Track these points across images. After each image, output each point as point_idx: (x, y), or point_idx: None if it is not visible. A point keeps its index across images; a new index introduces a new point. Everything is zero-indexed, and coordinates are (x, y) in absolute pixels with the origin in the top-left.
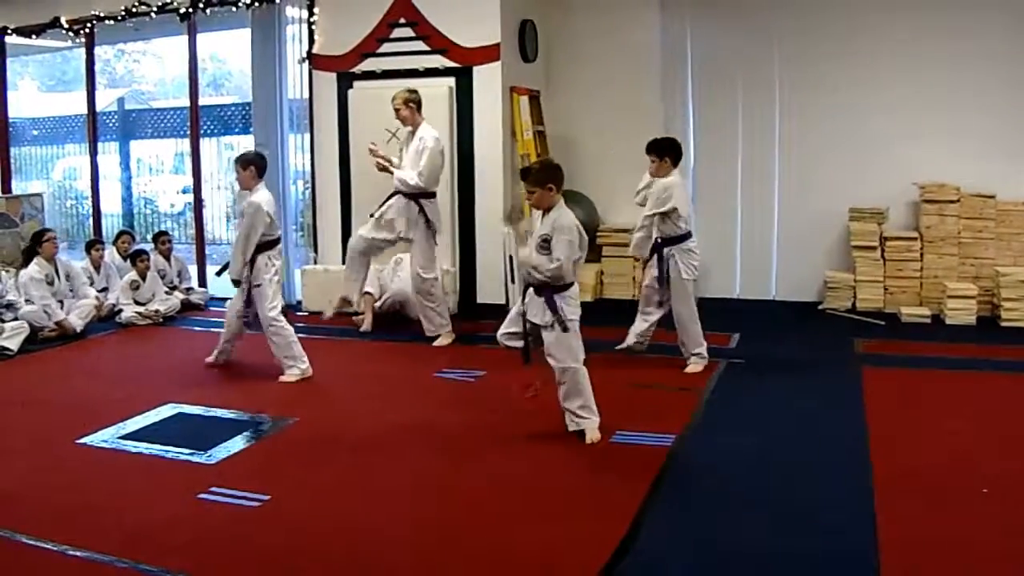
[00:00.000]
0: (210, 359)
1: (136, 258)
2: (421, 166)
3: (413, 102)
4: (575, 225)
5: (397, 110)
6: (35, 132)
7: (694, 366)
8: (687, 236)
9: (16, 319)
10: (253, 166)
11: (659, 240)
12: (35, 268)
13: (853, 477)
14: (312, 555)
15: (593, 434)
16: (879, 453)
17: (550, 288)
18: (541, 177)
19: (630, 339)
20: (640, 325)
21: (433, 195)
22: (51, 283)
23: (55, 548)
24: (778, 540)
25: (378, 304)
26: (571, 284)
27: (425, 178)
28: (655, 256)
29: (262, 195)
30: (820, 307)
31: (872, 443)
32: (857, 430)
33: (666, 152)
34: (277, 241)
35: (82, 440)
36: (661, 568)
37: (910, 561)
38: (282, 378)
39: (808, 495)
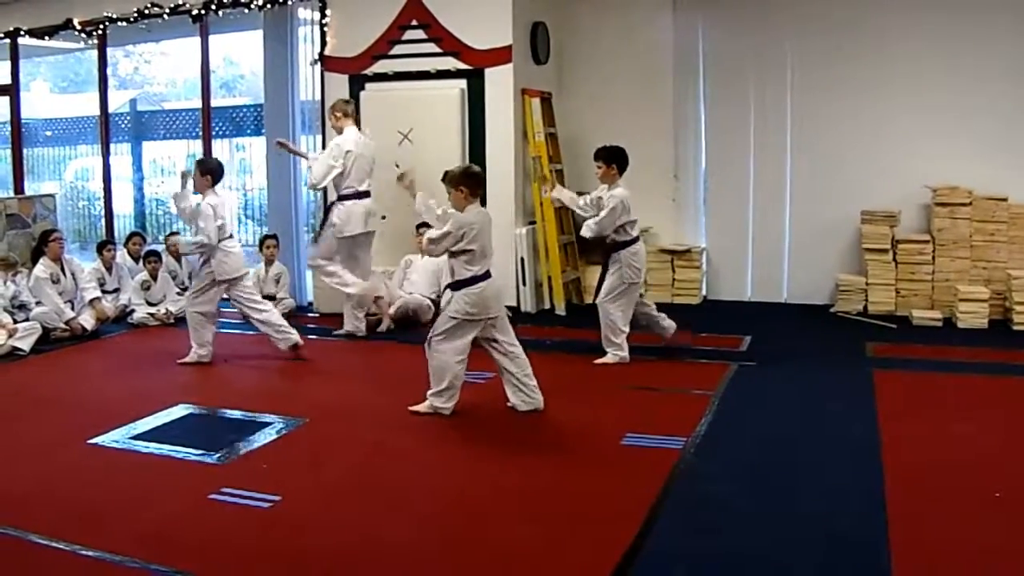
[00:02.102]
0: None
1: (147, 259)
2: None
3: (339, 111)
4: (467, 222)
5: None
6: (48, 133)
7: (610, 357)
8: (635, 241)
9: (28, 319)
10: (211, 174)
11: (611, 243)
12: (41, 267)
13: (864, 481)
14: (321, 556)
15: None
16: (891, 457)
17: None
18: (453, 179)
19: (667, 330)
20: (651, 318)
21: (342, 197)
22: (56, 282)
23: (66, 548)
24: (789, 544)
25: (392, 310)
26: (469, 279)
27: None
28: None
29: (214, 199)
30: (832, 310)
31: (884, 447)
32: (869, 434)
33: (613, 159)
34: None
35: (93, 440)
36: (671, 572)
37: (922, 565)
38: (182, 360)
39: (819, 499)
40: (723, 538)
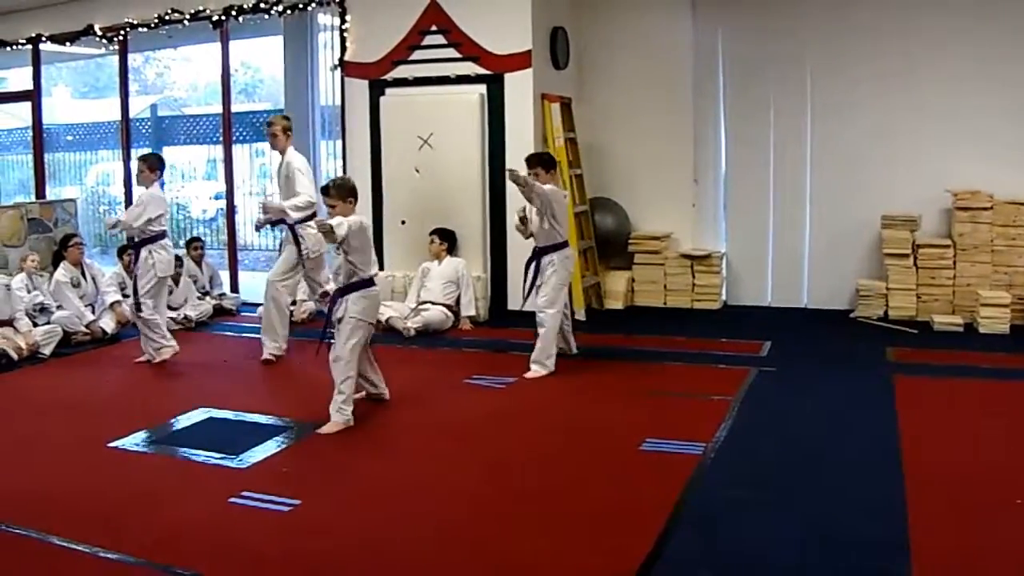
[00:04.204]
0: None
1: None
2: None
3: (287, 129)
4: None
5: (274, 136)
6: (69, 138)
7: (535, 372)
8: (565, 245)
9: (49, 323)
10: (159, 170)
11: (537, 249)
12: (61, 271)
13: (885, 486)
14: (340, 561)
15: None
16: (911, 463)
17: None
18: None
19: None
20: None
21: (308, 219)
22: (77, 286)
23: (87, 550)
24: (809, 550)
25: (409, 325)
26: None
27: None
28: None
29: (156, 190)
30: (852, 315)
31: (904, 453)
32: (889, 440)
33: (537, 164)
34: (161, 235)
35: (113, 444)
36: None
37: (943, 571)
38: (140, 359)
39: (839, 505)
40: (743, 544)
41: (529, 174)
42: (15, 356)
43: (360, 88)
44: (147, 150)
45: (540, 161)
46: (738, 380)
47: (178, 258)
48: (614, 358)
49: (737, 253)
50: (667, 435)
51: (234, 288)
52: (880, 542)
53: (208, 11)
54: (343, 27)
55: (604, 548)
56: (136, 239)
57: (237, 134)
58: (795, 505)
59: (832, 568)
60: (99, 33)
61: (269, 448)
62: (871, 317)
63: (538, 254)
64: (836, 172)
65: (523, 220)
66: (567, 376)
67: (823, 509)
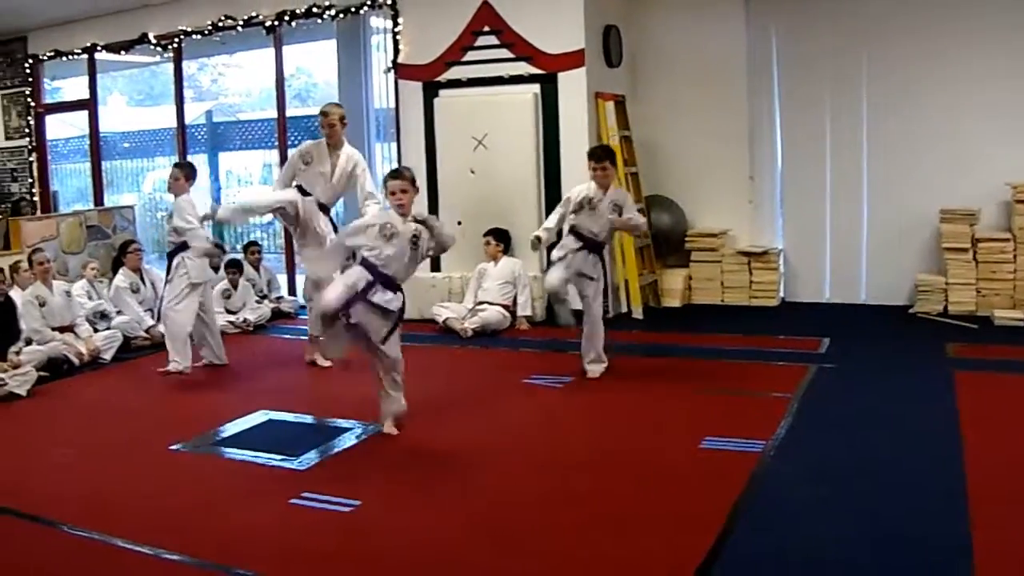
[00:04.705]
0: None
1: (228, 269)
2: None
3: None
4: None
5: (332, 126)
6: (125, 145)
7: (594, 371)
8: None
9: (109, 328)
10: (193, 178)
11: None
12: (120, 277)
13: (946, 484)
14: (400, 561)
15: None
16: (972, 459)
17: None
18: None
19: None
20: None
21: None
22: (136, 291)
23: (150, 552)
24: (870, 549)
25: (466, 325)
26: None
27: None
28: None
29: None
30: (911, 311)
31: (966, 451)
32: (950, 437)
33: (606, 158)
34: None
35: (175, 446)
36: None
37: (1005, 569)
38: (161, 369)
39: (899, 504)
40: (803, 543)
41: (598, 168)
42: (76, 361)
43: (414, 90)
44: (203, 156)
45: (608, 154)
46: (797, 377)
47: (237, 263)
48: (672, 356)
49: (794, 249)
50: (727, 433)
51: (291, 291)
52: (941, 539)
53: (261, 17)
54: (396, 30)
55: (664, 546)
56: (170, 248)
57: (292, 138)
58: (856, 503)
59: (893, 568)
60: (153, 41)
61: (328, 449)
62: (930, 312)
63: (598, 247)
64: (893, 166)
65: (539, 240)
66: (625, 375)
67: (884, 508)
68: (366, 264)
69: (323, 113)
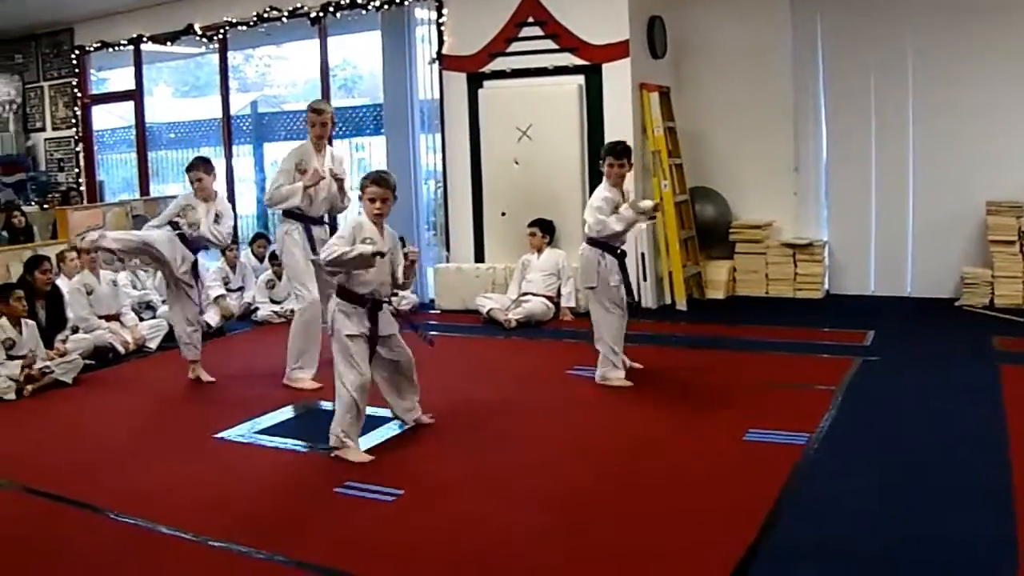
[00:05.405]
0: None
1: (272, 259)
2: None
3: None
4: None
5: (326, 124)
6: (171, 136)
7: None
8: None
9: (155, 318)
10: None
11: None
12: None
13: (992, 478)
14: (443, 549)
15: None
16: (1019, 454)
17: None
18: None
19: None
20: None
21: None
22: None
23: (194, 539)
24: (913, 543)
25: (510, 316)
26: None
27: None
28: None
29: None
30: (957, 303)
31: (1012, 445)
32: (996, 431)
33: (625, 155)
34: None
35: (220, 435)
36: (792, 570)
37: None
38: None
39: (945, 497)
40: (847, 535)
41: (614, 165)
42: (122, 350)
43: (458, 81)
44: (248, 147)
45: (628, 153)
46: (842, 370)
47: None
48: (716, 348)
49: (839, 241)
50: (771, 425)
51: None
52: (986, 534)
53: (306, 8)
54: (440, 21)
55: (708, 537)
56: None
57: (337, 129)
58: (900, 498)
59: (936, 560)
60: (199, 32)
61: (371, 439)
62: (976, 305)
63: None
64: (939, 158)
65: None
66: (669, 367)
67: (928, 502)
68: (348, 294)
69: (316, 111)
